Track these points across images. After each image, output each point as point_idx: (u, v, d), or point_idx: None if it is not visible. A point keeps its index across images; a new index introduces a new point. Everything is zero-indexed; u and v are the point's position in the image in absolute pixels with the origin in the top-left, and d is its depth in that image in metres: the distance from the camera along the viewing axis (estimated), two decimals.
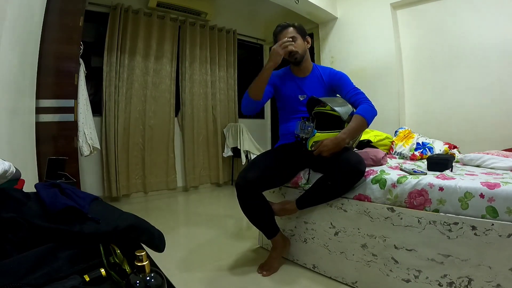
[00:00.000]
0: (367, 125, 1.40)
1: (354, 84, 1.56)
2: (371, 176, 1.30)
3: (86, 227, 0.65)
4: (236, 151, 3.64)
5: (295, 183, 1.54)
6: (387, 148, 2.12)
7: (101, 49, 2.98)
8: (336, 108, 1.37)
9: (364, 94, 1.49)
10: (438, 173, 1.26)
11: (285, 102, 1.63)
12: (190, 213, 2.89)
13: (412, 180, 1.17)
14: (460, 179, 1.09)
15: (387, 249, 1.20)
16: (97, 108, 2.93)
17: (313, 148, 1.36)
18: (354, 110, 1.42)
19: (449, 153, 1.81)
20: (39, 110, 1.73)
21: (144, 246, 0.74)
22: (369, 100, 1.46)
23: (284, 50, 1.40)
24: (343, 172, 1.27)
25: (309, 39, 1.60)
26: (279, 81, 1.63)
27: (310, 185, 1.43)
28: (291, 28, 1.54)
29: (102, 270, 0.59)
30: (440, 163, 1.38)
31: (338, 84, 1.56)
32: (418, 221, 1.11)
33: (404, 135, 2.09)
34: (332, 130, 1.38)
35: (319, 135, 1.36)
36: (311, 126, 1.38)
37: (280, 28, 1.56)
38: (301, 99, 1.58)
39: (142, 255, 0.52)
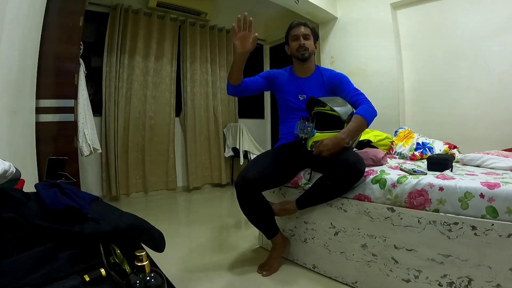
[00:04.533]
0: (367, 126, 1.40)
1: (354, 85, 1.57)
2: (371, 176, 1.30)
3: (86, 227, 0.65)
4: (236, 151, 3.64)
5: (295, 183, 1.54)
6: (387, 148, 2.12)
7: (101, 49, 2.98)
8: (335, 108, 1.37)
9: (364, 95, 1.50)
10: (438, 173, 1.26)
11: (285, 101, 1.63)
12: (191, 213, 2.89)
13: (412, 180, 1.17)
14: (460, 179, 1.09)
15: (387, 249, 1.20)
16: (97, 108, 2.93)
17: (312, 149, 1.36)
18: (354, 111, 1.42)
19: (449, 153, 1.81)
20: (39, 110, 1.73)
21: (144, 246, 0.74)
22: (369, 101, 1.46)
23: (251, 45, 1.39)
24: (343, 172, 1.27)
25: (317, 45, 1.67)
26: (279, 80, 1.65)
27: (311, 185, 1.43)
28: (308, 28, 1.60)
29: (102, 270, 0.59)
30: (440, 163, 1.38)
31: (338, 85, 1.57)
32: (418, 221, 1.11)
33: (404, 135, 2.09)
34: (331, 130, 1.38)
35: (319, 135, 1.36)
36: (311, 126, 1.38)
37: (297, 23, 1.60)
38: (301, 98, 1.59)
39: (142, 255, 0.52)
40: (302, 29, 1.58)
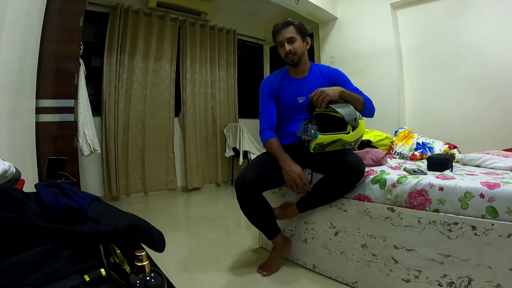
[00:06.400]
0: (362, 108, 1.41)
1: (354, 85, 1.56)
2: (371, 176, 1.30)
3: (86, 227, 0.65)
4: (237, 151, 3.64)
5: None
6: (387, 148, 2.12)
7: (101, 49, 2.98)
8: (338, 110, 1.33)
9: (364, 93, 1.50)
10: (438, 173, 1.26)
11: (284, 105, 1.59)
12: (190, 213, 2.89)
13: (412, 180, 1.17)
14: (460, 179, 1.09)
15: (387, 249, 1.20)
16: (97, 108, 2.93)
17: (315, 151, 1.34)
18: (358, 114, 1.40)
19: (449, 153, 1.81)
20: (39, 110, 1.74)
21: (144, 246, 0.74)
22: (370, 99, 1.48)
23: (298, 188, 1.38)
24: (343, 174, 1.27)
25: (308, 40, 1.55)
26: (277, 86, 1.59)
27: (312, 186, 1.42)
28: (291, 27, 1.47)
29: (102, 270, 0.59)
30: (440, 163, 1.38)
31: (339, 82, 1.52)
32: (418, 221, 1.11)
33: (404, 135, 2.09)
34: (334, 132, 1.37)
35: (322, 137, 1.34)
36: (314, 128, 1.34)
37: (279, 26, 1.48)
38: (300, 101, 1.55)
39: (142, 255, 0.52)
40: (285, 33, 1.47)
